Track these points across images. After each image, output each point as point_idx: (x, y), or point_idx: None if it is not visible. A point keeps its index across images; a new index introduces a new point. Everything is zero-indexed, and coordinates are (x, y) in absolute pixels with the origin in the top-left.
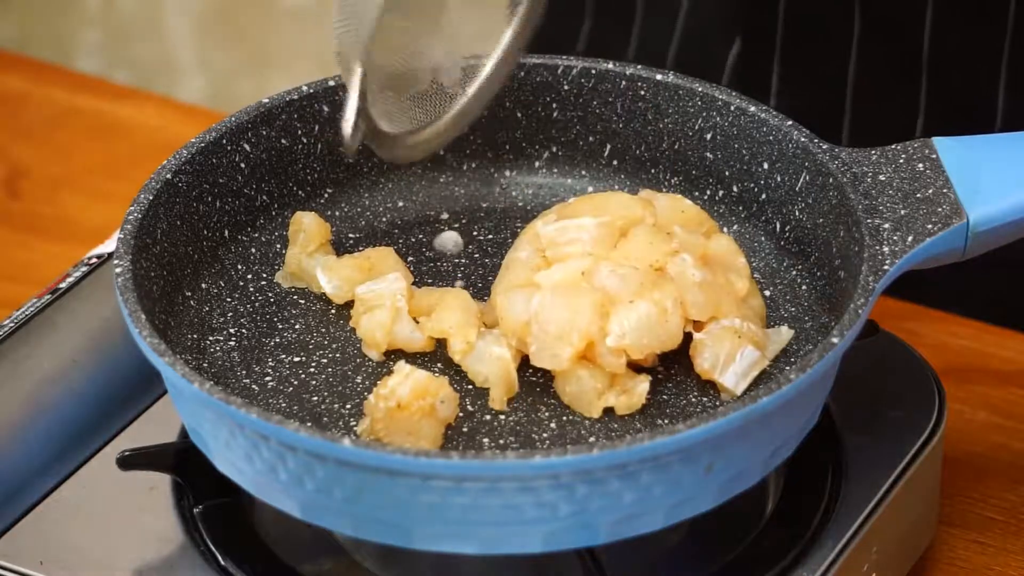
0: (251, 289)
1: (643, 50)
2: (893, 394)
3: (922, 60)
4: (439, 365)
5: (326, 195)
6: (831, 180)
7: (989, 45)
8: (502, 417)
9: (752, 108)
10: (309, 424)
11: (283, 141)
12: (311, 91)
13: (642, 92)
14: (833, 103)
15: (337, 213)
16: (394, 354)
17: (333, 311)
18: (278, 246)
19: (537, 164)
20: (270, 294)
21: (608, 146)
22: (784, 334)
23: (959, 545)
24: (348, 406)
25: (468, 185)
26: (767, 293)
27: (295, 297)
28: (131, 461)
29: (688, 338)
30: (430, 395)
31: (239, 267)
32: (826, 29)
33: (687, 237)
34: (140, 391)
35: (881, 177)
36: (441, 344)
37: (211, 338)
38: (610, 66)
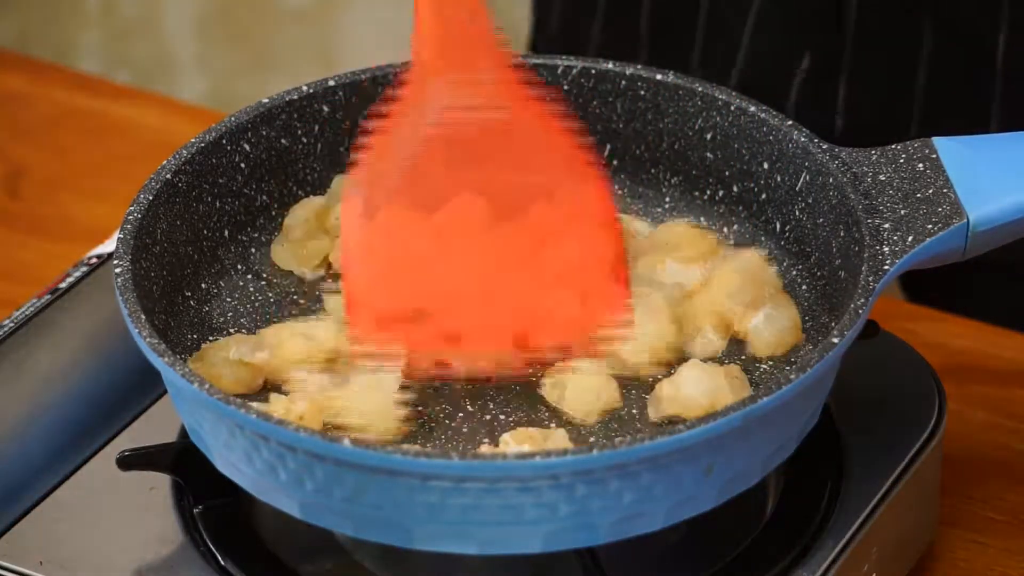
0: (251, 289)
1: (707, 67)
2: (893, 394)
3: (995, 76)
4: None
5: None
6: (831, 180)
7: None
8: (502, 417)
9: (752, 108)
10: None
11: (283, 141)
12: (311, 91)
13: (642, 92)
14: (901, 119)
15: None
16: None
17: None
18: None
19: None
20: (270, 294)
21: (608, 146)
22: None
23: (959, 545)
24: None
25: None
26: None
27: (295, 297)
28: (131, 461)
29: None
30: (327, 408)
31: (239, 267)
32: (895, 45)
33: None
34: (140, 391)
35: (881, 177)
36: None
37: (211, 338)
38: (610, 66)
